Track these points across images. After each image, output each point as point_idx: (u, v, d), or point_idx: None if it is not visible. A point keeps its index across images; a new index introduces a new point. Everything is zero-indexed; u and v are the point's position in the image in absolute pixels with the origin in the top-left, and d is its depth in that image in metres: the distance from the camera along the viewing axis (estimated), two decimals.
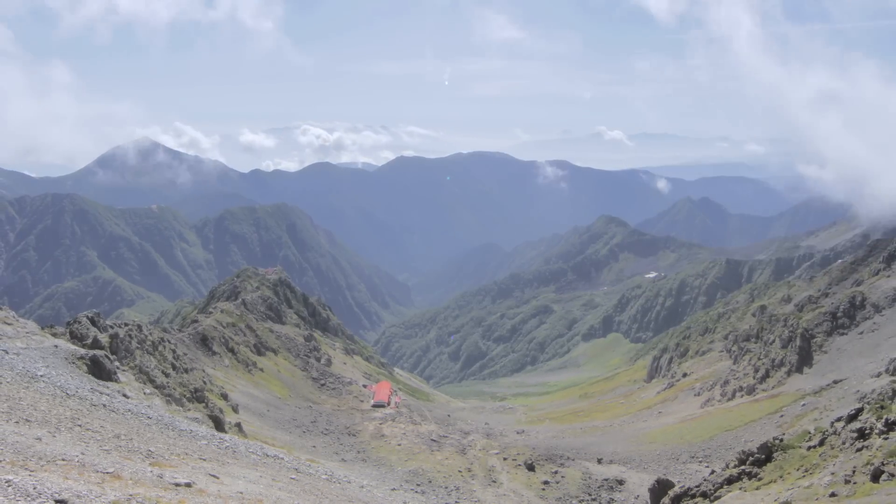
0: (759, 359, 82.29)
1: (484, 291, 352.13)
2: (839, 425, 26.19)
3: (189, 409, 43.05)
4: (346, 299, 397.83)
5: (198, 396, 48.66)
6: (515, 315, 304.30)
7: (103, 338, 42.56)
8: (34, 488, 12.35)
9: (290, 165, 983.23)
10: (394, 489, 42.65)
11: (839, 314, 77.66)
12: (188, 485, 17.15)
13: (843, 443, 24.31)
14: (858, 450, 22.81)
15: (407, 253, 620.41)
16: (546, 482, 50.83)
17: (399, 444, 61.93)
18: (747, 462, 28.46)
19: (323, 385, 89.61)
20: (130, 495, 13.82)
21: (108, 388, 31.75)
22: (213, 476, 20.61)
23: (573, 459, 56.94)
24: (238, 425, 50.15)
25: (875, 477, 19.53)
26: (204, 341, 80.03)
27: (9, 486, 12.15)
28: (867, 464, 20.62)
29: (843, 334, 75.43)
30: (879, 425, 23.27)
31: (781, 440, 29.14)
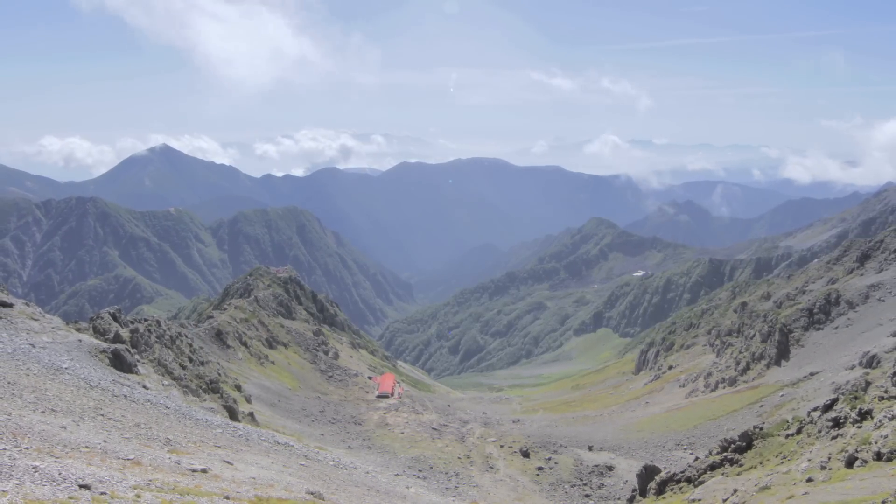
0: (740, 352, 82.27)
1: (482, 289, 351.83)
2: (815, 415, 26.19)
3: (205, 400, 43.05)
4: (353, 296, 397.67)
5: (213, 388, 48.61)
6: (511, 311, 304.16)
7: (124, 332, 42.56)
8: (59, 474, 12.34)
9: (300, 171, 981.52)
10: (397, 475, 42.64)
11: (815, 310, 77.60)
12: (204, 471, 17.16)
13: (819, 431, 24.31)
14: (833, 438, 22.81)
15: (409, 253, 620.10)
16: (540, 468, 50.81)
17: (402, 433, 61.88)
18: (729, 449, 28.46)
19: (330, 377, 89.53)
20: (150, 480, 13.82)
21: (128, 379, 31.75)
22: (228, 462, 20.62)
23: (566, 447, 56.89)
24: (251, 415, 50.13)
25: (849, 463, 19.53)
26: (219, 336, 79.98)
27: (35, 471, 12.15)
28: (842, 451, 20.61)
29: (819, 329, 75.37)
30: (853, 415, 23.27)
31: (761, 429, 29.13)
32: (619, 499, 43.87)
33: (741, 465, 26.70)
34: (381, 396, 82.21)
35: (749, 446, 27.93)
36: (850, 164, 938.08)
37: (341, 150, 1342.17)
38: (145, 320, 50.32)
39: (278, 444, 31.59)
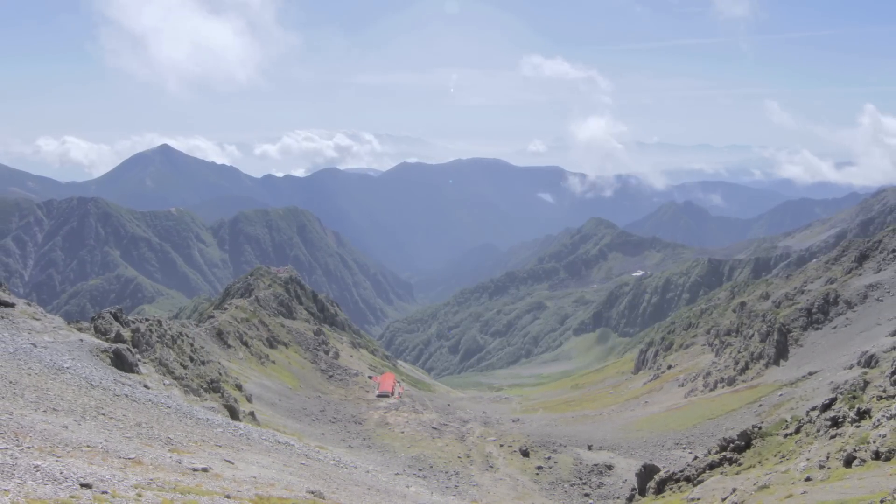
0: (739, 352, 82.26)
1: (482, 289, 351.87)
2: (814, 414, 26.20)
3: (206, 399, 43.04)
4: (353, 296, 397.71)
5: (214, 387, 48.62)
6: (511, 311, 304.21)
7: (125, 332, 42.58)
8: (61, 473, 12.35)
9: (300, 171, 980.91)
10: (397, 474, 42.67)
11: (814, 310, 77.58)
12: (205, 470, 17.17)
13: (818, 430, 24.31)
14: (832, 437, 22.82)
15: (409, 253, 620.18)
16: (540, 467, 50.80)
17: (402, 432, 61.88)
18: (728, 448, 28.46)
19: (331, 376, 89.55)
20: (151, 479, 13.83)
21: (129, 379, 31.75)
22: (229, 461, 20.63)
23: (565, 446, 56.89)
24: (252, 414, 50.12)
25: (847, 462, 19.53)
26: (220, 335, 80.00)
27: (37, 471, 12.16)
28: (840, 450, 20.62)
29: (817, 329, 75.36)
30: (852, 414, 23.28)
31: (760, 428, 29.14)
32: (618, 498, 43.88)
33: (740, 465, 26.71)
34: (382, 396, 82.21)
35: (748, 445, 27.94)
36: (848, 164, 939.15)
37: (339, 150, 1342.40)
38: (146, 320, 50.33)
39: (279, 443, 31.61)
